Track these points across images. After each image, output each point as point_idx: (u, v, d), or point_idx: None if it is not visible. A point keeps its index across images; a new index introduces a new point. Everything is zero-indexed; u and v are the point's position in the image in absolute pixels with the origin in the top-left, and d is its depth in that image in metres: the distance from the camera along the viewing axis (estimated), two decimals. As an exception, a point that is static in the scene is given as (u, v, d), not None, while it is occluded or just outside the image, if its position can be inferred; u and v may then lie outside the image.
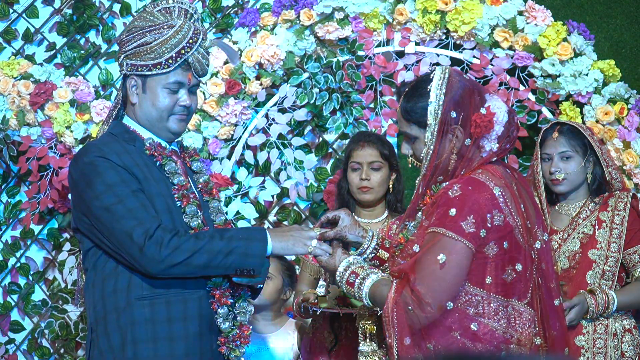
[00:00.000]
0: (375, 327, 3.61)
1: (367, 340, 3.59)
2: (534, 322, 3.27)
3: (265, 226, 5.49)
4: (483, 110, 3.26)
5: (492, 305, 3.20)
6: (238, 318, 3.49)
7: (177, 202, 3.42)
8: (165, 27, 3.42)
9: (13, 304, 5.69)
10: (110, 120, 3.59)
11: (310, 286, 4.52)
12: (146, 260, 3.25)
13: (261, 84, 5.27)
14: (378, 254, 3.56)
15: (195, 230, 3.39)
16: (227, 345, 3.42)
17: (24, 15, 5.69)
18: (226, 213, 5.26)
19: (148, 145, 3.46)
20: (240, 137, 5.32)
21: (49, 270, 5.69)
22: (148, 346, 3.33)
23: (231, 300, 3.44)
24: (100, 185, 3.31)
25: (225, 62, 5.24)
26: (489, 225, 3.18)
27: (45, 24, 5.71)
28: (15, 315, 5.72)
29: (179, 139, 3.68)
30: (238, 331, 3.46)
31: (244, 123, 5.30)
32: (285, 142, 5.36)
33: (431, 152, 3.28)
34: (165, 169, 3.45)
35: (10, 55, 5.63)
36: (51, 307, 5.57)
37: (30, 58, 5.60)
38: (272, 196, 5.47)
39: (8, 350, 5.64)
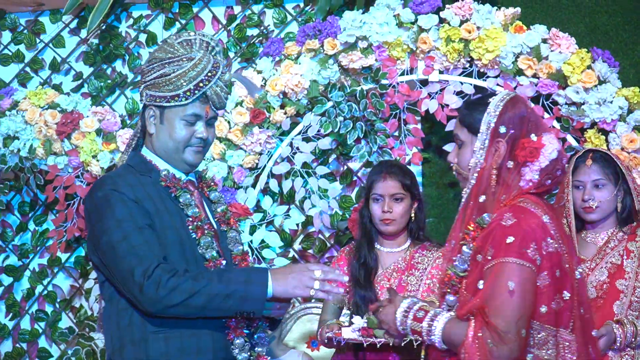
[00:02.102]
0: None
1: None
2: (578, 351, 3.24)
3: (290, 255, 5.50)
4: (534, 137, 3.26)
5: (541, 334, 3.17)
6: (257, 349, 3.48)
7: (192, 234, 3.43)
8: (185, 59, 3.43)
9: (40, 331, 5.73)
10: (130, 150, 3.60)
11: (334, 315, 4.51)
12: (145, 300, 3.25)
13: (285, 113, 5.29)
14: None
15: (209, 262, 3.39)
16: None
17: (50, 45, 5.75)
18: (251, 242, 5.28)
19: (163, 176, 3.46)
20: (265, 165, 5.34)
21: (76, 298, 5.72)
22: None
23: (247, 331, 3.43)
24: (109, 219, 3.31)
25: (250, 92, 5.28)
26: (544, 253, 3.16)
27: (72, 53, 5.77)
28: (42, 342, 5.76)
29: (200, 169, 3.70)
30: None
31: (268, 152, 5.32)
32: (310, 170, 5.37)
33: (480, 161, 3.26)
34: (180, 200, 3.45)
35: (37, 85, 5.69)
36: (78, 334, 5.60)
37: (57, 87, 5.66)
38: (297, 224, 5.48)
39: (36, 378, 5.69)
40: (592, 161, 4.34)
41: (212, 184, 3.71)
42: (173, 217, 3.41)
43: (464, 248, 3.27)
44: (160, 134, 3.49)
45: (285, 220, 5.42)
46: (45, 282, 5.74)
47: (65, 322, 5.72)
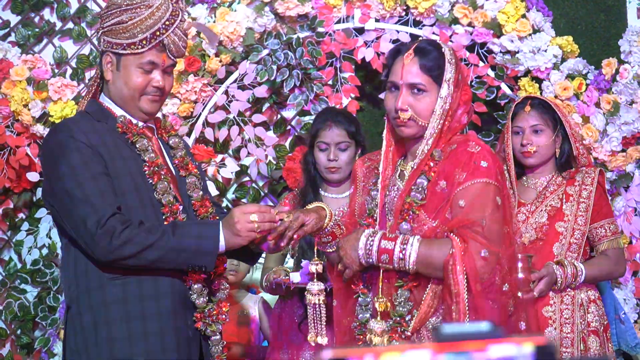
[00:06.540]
0: (388, 305, 3.34)
1: (378, 317, 3.32)
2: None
3: (224, 204, 5.47)
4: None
5: None
6: (217, 294, 3.49)
7: (149, 180, 3.40)
8: (142, 6, 3.37)
9: (-32, 286, 5.62)
10: (90, 95, 3.56)
11: (277, 263, 4.53)
12: (98, 249, 3.23)
13: (221, 61, 5.24)
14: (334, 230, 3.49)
15: (166, 208, 3.37)
16: (204, 320, 3.41)
17: (-24, -8, 5.60)
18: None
19: (119, 122, 3.44)
20: (200, 114, 5.29)
21: (5, 251, 5.61)
22: (122, 326, 3.31)
23: (205, 276, 3.43)
24: (63, 166, 3.28)
25: (185, 39, 5.20)
26: (500, 178, 3.30)
27: (-1, 1, 5.62)
28: (-28, 297, 5.65)
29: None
30: (215, 307, 3.45)
31: (203, 100, 5.27)
32: (245, 119, 5.33)
33: (445, 108, 3.31)
34: (137, 146, 3.43)
35: (-37, 34, 5.54)
36: (9, 287, 5.50)
37: (-16, 36, 5.51)
38: (232, 173, 5.45)
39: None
40: (531, 107, 4.45)
41: (172, 129, 3.69)
42: (128, 163, 3.39)
43: (418, 180, 3.32)
44: (117, 81, 3.46)
45: (220, 170, 5.39)
46: (-27, 235, 5.62)
47: (-5, 275, 5.62)
